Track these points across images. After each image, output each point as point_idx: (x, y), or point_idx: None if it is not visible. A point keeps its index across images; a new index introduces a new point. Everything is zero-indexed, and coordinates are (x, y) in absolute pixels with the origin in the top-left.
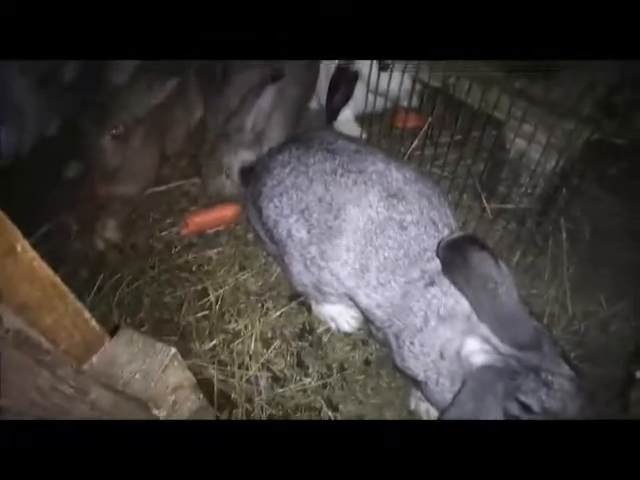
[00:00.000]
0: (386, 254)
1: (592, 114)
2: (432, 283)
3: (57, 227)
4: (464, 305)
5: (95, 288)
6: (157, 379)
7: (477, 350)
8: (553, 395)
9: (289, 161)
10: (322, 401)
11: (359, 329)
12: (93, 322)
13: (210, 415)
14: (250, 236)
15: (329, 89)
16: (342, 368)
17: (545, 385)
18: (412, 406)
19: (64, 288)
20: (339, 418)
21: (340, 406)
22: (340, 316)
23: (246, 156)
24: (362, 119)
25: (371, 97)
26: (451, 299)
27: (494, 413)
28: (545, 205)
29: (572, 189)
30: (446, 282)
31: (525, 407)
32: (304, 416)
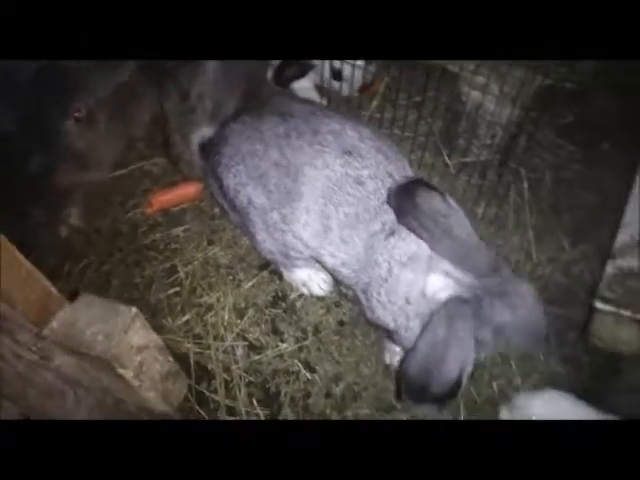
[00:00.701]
0: (346, 210)
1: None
2: (392, 233)
3: (21, 216)
4: (424, 247)
5: (64, 274)
6: (119, 339)
7: (441, 286)
8: (518, 312)
9: (243, 129)
10: (299, 364)
11: (331, 292)
12: (49, 285)
13: (182, 380)
14: (217, 210)
15: (279, 65)
16: (317, 331)
17: (508, 304)
18: (387, 360)
19: (16, 252)
20: (317, 379)
21: (317, 367)
22: (311, 280)
23: (205, 132)
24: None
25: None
26: (412, 245)
27: (465, 337)
28: (505, 156)
29: (530, 138)
30: (404, 229)
31: (495, 331)
32: (282, 381)
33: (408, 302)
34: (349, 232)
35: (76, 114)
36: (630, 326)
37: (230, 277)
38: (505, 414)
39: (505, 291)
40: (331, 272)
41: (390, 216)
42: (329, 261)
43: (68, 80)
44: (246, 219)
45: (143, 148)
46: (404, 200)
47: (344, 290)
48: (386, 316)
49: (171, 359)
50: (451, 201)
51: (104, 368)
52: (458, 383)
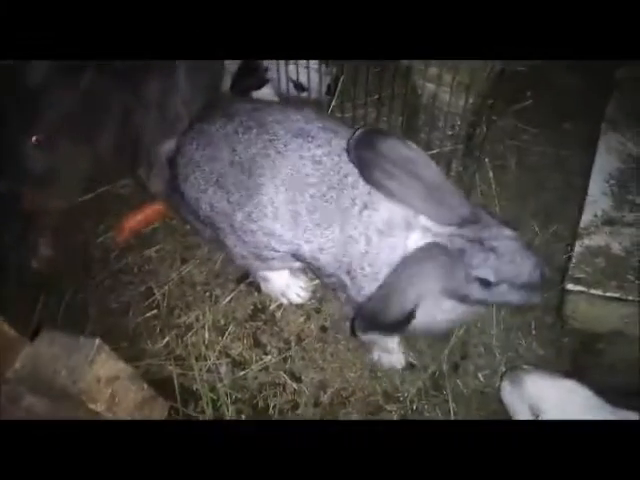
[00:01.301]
0: (310, 192)
1: None
2: (365, 206)
3: None
4: (397, 211)
5: (40, 306)
6: (85, 373)
7: (422, 242)
8: (503, 259)
9: (194, 136)
10: (285, 375)
11: (310, 299)
12: (7, 328)
13: (161, 405)
14: (188, 227)
15: (236, 75)
16: (299, 339)
17: (492, 251)
18: (375, 357)
19: None
20: (303, 388)
21: (303, 376)
22: (289, 289)
23: (169, 145)
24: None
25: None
26: (385, 212)
27: (431, 277)
28: (467, 145)
29: (490, 125)
30: (376, 198)
31: (483, 282)
32: (269, 394)
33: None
34: (320, 214)
35: (34, 138)
36: (602, 304)
37: (207, 294)
38: (507, 388)
39: (488, 238)
40: (310, 263)
41: (359, 190)
42: (306, 249)
43: (25, 99)
44: (213, 228)
45: (110, 169)
46: (365, 151)
47: (325, 280)
48: (373, 288)
49: (145, 386)
50: (412, 145)
51: (74, 404)
52: (410, 316)
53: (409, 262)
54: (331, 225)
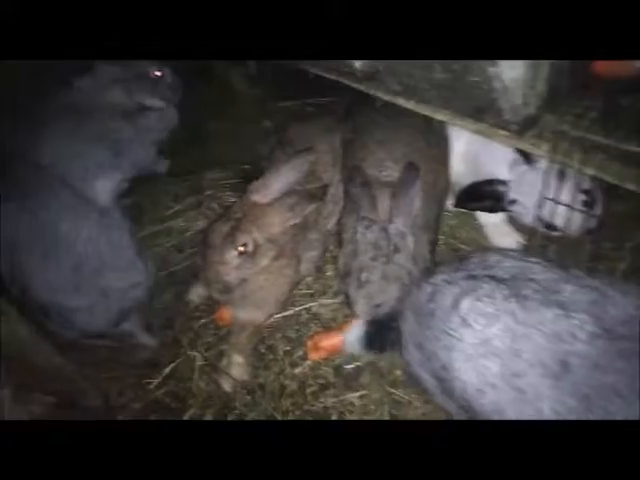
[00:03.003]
0: None
1: None
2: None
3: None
4: None
5: None
6: None
7: None
8: None
9: (496, 314)
10: None
11: None
12: None
13: None
14: (399, 373)
15: (466, 192)
16: None
17: None
18: None
19: None
20: None
21: None
22: None
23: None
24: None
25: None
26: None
27: None
28: None
29: None
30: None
31: None
32: None
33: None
34: None
35: (241, 248)
36: None
37: None
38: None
39: None
40: None
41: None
42: None
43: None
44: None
45: (311, 283)
46: None
47: None
48: None
49: None
50: None
51: None
52: None
53: None
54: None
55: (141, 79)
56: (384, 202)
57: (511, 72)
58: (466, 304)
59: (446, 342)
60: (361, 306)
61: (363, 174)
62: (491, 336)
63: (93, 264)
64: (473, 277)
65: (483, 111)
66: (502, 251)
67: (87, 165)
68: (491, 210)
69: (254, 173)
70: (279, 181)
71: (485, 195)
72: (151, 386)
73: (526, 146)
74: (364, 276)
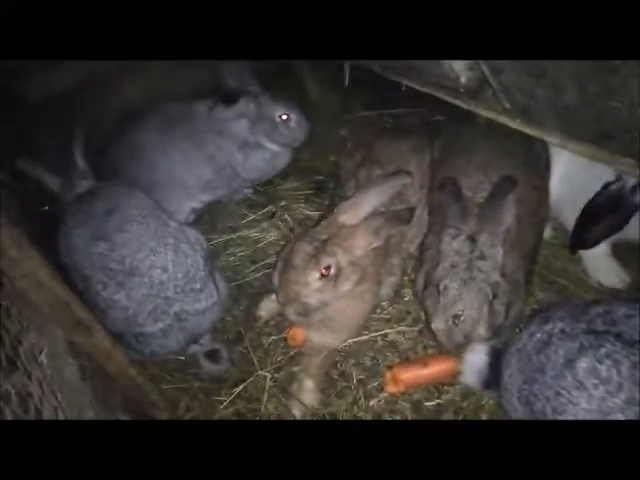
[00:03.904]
0: None
1: None
2: None
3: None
4: None
5: None
6: None
7: None
8: None
9: (619, 382)
10: None
11: None
12: None
13: None
14: (484, 418)
15: (590, 210)
16: None
17: None
18: None
19: None
20: None
21: None
22: None
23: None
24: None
25: None
26: None
27: None
28: None
29: None
30: None
31: None
32: None
33: None
34: None
35: (324, 271)
36: None
37: None
38: None
39: None
40: None
41: None
42: None
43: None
44: None
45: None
46: None
47: None
48: None
49: None
50: None
51: None
52: None
53: None
54: None
55: (265, 120)
56: (474, 218)
57: None
58: (584, 365)
59: (556, 404)
60: (439, 319)
61: (457, 184)
62: (613, 408)
63: (168, 291)
64: (594, 332)
65: (609, 137)
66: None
67: (189, 185)
68: (618, 226)
69: (328, 184)
70: (369, 203)
71: (604, 207)
72: (221, 406)
73: None
74: (443, 284)
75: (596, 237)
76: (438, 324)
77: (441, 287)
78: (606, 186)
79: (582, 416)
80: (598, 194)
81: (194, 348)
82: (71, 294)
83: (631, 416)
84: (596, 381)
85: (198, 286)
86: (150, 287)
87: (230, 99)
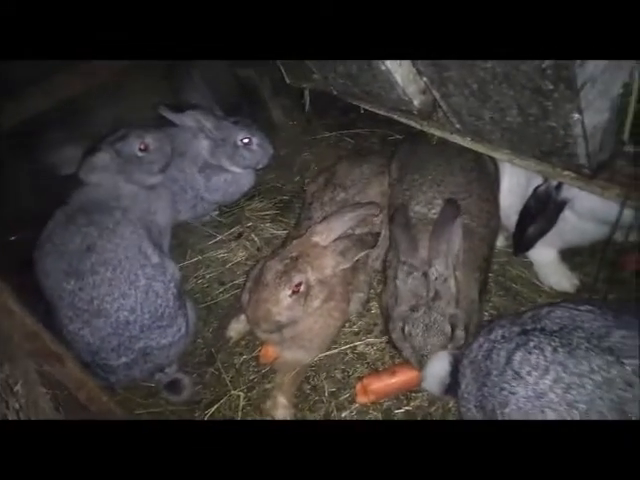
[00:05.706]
0: None
1: None
2: None
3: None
4: None
5: None
6: None
7: None
8: None
9: (546, 365)
10: None
11: None
12: None
13: None
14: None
15: (524, 213)
16: None
17: None
18: None
19: None
20: None
21: None
22: None
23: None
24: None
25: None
26: None
27: None
28: None
29: None
30: None
31: None
32: None
33: None
34: None
35: (295, 288)
36: None
37: None
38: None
39: None
40: None
41: None
42: None
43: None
44: None
45: (355, 321)
46: None
47: None
48: None
49: None
50: None
51: None
52: None
53: None
54: None
55: (227, 143)
56: (426, 243)
57: (595, 118)
58: (518, 358)
59: (501, 398)
60: (408, 354)
61: (405, 214)
62: (544, 389)
63: (134, 330)
64: (525, 332)
65: (551, 154)
66: (556, 303)
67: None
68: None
69: (293, 204)
70: (340, 227)
71: (535, 208)
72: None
73: (595, 189)
74: (407, 329)
75: (532, 237)
76: (408, 356)
77: (406, 332)
78: (535, 189)
79: (522, 404)
80: (529, 198)
81: (159, 376)
82: (41, 325)
83: (559, 393)
84: (528, 368)
85: (165, 323)
86: (115, 327)
87: (179, 109)
